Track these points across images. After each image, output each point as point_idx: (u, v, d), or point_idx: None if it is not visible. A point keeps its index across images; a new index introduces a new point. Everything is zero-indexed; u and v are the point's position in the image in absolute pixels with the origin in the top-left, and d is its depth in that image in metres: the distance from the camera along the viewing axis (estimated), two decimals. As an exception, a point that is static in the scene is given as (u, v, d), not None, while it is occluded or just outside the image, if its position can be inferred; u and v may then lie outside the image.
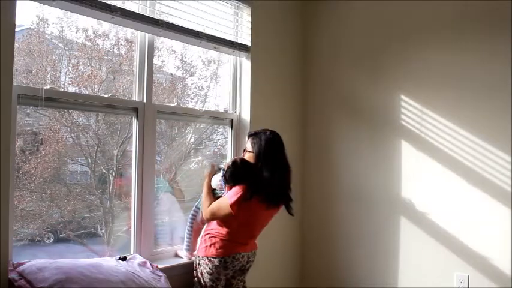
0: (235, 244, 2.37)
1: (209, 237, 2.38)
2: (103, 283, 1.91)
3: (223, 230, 2.35)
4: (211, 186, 2.51)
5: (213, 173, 2.55)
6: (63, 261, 1.96)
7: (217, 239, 2.35)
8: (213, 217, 2.37)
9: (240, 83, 3.17)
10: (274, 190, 2.31)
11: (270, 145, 2.36)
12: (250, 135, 2.47)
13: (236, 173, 2.34)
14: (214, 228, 2.39)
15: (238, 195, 2.27)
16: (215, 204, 2.37)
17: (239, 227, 2.35)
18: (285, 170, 2.38)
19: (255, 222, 2.41)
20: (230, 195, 2.30)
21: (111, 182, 2.58)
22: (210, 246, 2.35)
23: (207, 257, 2.34)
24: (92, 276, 1.91)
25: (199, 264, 2.40)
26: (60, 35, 2.42)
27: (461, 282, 2.80)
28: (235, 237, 2.36)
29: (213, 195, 2.49)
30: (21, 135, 2.19)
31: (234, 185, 2.33)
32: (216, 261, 2.32)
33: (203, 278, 2.37)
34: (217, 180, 2.48)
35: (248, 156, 2.42)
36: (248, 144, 2.45)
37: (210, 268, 2.34)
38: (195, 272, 2.45)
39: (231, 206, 2.26)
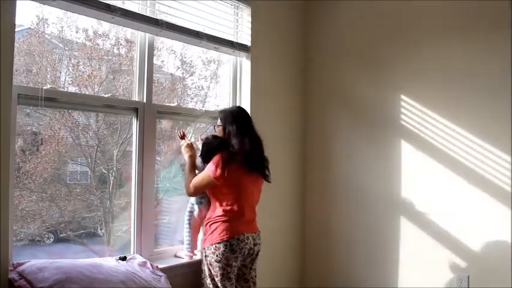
0: (236, 223, 2.37)
1: (209, 225, 2.39)
2: (103, 283, 1.91)
3: (219, 211, 2.38)
4: (194, 166, 2.54)
5: (193, 154, 2.56)
6: (63, 261, 1.96)
7: (218, 223, 2.36)
8: (197, 190, 2.45)
9: (240, 83, 3.17)
10: (247, 156, 2.39)
11: (234, 116, 2.48)
12: (219, 112, 2.59)
13: (209, 148, 2.46)
14: (211, 214, 2.42)
15: (216, 162, 2.36)
16: (196, 177, 2.45)
17: (231, 200, 2.37)
18: (253, 139, 2.45)
19: (242, 188, 2.41)
20: (209, 166, 2.40)
21: (111, 182, 2.58)
22: (213, 232, 2.35)
23: (212, 245, 2.34)
24: (92, 276, 1.91)
25: (206, 256, 2.38)
26: (60, 35, 2.42)
27: (461, 282, 2.80)
28: (233, 213, 2.37)
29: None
30: (21, 135, 2.19)
31: (210, 159, 2.43)
32: (222, 246, 2.31)
33: (213, 269, 2.34)
34: (199, 163, 2.54)
35: (218, 130, 2.54)
36: (218, 120, 2.57)
37: (217, 256, 2.32)
38: (203, 268, 2.40)
39: (213, 173, 2.35)
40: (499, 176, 2.72)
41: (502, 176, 2.71)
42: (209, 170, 2.38)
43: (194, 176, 2.48)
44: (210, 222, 2.40)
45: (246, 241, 2.38)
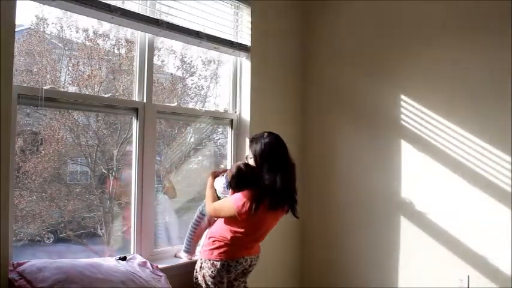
0: (240, 248, 2.35)
1: (213, 241, 2.36)
2: (103, 283, 1.91)
3: (228, 235, 2.32)
4: (212, 184, 2.50)
5: (216, 175, 2.55)
6: (63, 261, 1.97)
7: (222, 243, 2.33)
8: (216, 215, 2.40)
9: (240, 83, 3.17)
10: (277, 194, 2.28)
11: (268, 148, 2.32)
12: (250, 141, 2.46)
13: (240, 179, 2.33)
14: (219, 232, 2.36)
15: (245, 200, 2.24)
16: (220, 202, 2.39)
17: (244, 234, 2.32)
18: (287, 172, 2.32)
19: (261, 228, 2.37)
20: (236, 199, 2.28)
21: (111, 182, 2.58)
22: (214, 249, 2.33)
23: (210, 260, 2.33)
24: (92, 276, 1.91)
25: (201, 267, 2.38)
26: (60, 35, 2.42)
27: (461, 282, 2.80)
28: (240, 242, 2.35)
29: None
30: (21, 135, 2.19)
31: (239, 191, 2.32)
32: (219, 265, 2.31)
33: (205, 281, 2.36)
34: (221, 185, 2.47)
35: (251, 162, 2.41)
36: (248, 150, 2.45)
37: (212, 272, 2.33)
38: (195, 273, 2.43)
39: (239, 209, 2.25)
40: (499, 176, 2.72)
41: (502, 176, 2.71)
42: (235, 204, 2.27)
43: (215, 197, 2.44)
44: (214, 239, 2.36)
45: (243, 263, 2.38)
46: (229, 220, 2.33)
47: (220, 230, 2.36)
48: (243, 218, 2.26)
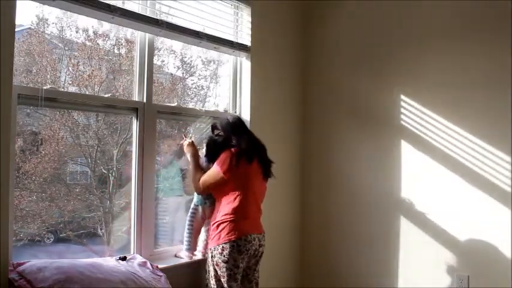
0: (243, 223, 2.37)
1: (217, 226, 2.38)
2: (103, 283, 1.91)
3: (227, 209, 2.37)
4: (199, 163, 2.57)
5: (196, 152, 2.61)
6: (63, 261, 1.96)
7: (226, 223, 2.35)
8: (206, 187, 2.47)
9: (240, 83, 3.17)
10: (248, 151, 2.44)
11: (230, 123, 2.54)
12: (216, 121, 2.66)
13: (213, 148, 2.51)
14: (220, 214, 2.40)
15: (223, 159, 2.40)
16: (205, 174, 2.47)
17: (237, 197, 2.37)
18: (251, 138, 2.53)
19: (249, 184, 2.43)
20: (217, 162, 2.43)
21: (111, 182, 2.58)
22: (220, 232, 2.35)
23: (219, 245, 2.33)
24: (92, 276, 1.91)
25: (213, 256, 2.37)
26: (60, 35, 2.42)
27: (461, 282, 2.80)
28: (240, 212, 2.37)
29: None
30: (21, 135, 2.19)
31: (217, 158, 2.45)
32: (229, 247, 2.31)
33: (220, 270, 2.34)
34: (203, 163, 2.57)
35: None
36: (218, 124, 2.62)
37: (224, 256, 2.32)
38: (206, 268, 2.41)
39: (221, 168, 2.39)
40: (499, 176, 2.72)
41: (502, 176, 2.71)
42: (217, 166, 2.41)
43: (201, 174, 2.49)
44: (218, 223, 2.38)
45: (252, 242, 2.39)
46: (219, 187, 2.42)
47: (220, 211, 2.41)
48: (228, 176, 2.38)
